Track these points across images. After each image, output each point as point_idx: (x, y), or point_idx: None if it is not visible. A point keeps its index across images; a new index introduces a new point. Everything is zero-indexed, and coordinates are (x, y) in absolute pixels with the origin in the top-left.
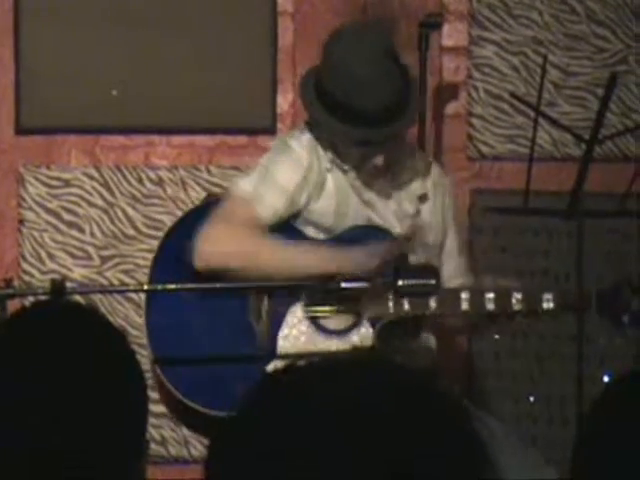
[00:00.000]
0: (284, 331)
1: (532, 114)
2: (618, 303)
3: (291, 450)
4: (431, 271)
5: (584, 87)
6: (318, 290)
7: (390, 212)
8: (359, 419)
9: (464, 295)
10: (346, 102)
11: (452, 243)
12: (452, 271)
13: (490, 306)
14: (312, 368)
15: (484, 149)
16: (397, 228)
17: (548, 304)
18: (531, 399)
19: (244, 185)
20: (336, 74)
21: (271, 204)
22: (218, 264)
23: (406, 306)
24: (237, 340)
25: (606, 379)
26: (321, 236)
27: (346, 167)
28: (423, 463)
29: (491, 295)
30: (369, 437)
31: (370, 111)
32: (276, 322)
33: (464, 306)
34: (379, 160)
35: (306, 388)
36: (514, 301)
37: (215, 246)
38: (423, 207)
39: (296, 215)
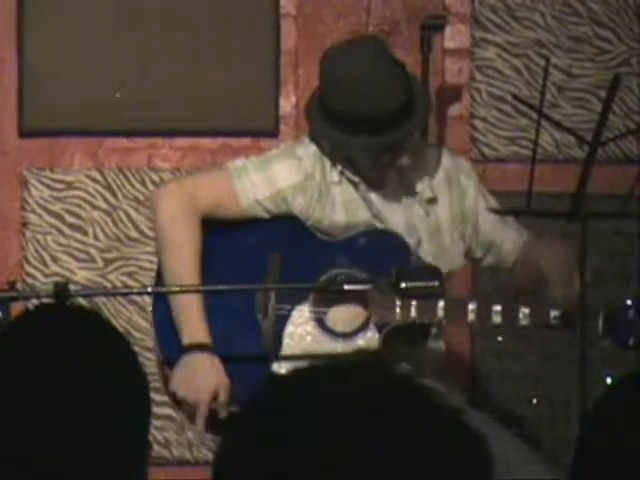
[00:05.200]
0: (289, 329)
1: (535, 116)
2: (624, 325)
3: (295, 451)
4: (435, 273)
5: (587, 89)
6: (322, 291)
7: (401, 224)
8: (360, 421)
9: (471, 306)
10: (352, 113)
11: (488, 217)
12: (510, 237)
13: (497, 319)
14: (316, 371)
15: (487, 151)
16: (407, 239)
17: (555, 321)
18: (534, 401)
19: (238, 161)
20: (336, 86)
21: (255, 189)
22: (154, 215)
23: (413, 312)
24: (244, 338)
25: (609, 381)
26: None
27: (356, 179)
28: (423, 464)
29: (498, 308)
30: (371, 441)
31: (377, 117)
32: (283, 319)
33: (470, 317)
34: (405, 160)
35: (309, 390)
36: (521, 316)
37: (164, 203)
38: (432, 209)
39: (304, 221)
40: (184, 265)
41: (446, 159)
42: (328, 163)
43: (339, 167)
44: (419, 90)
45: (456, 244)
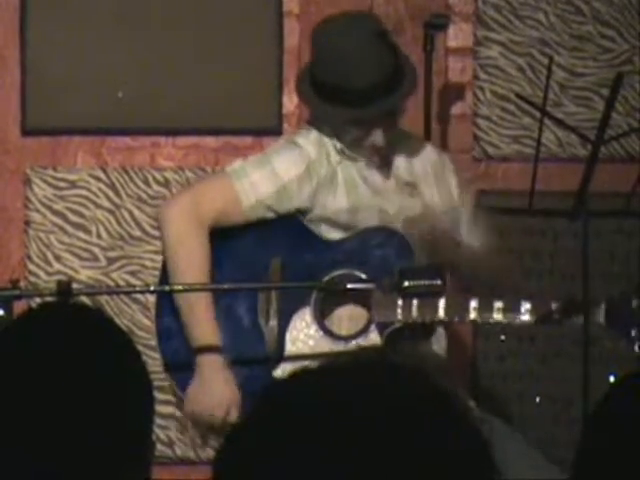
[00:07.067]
0: (292, 333)
1: (538, 115)
2: (626, 316)
3: (298, 452)
4: (437, 271)
5: (590, 87)
6: (325, 292)
7: (397, 199)
8: (368, 421)
9: (473, 304)
10: (335, 82)
11: (467, 214)
12: (478, 238)
13: (498, 316)
14: (321, 371)
15: (490, 150)
16: (398, 224)
17: (557, 314)
18: (537, 400)
19: (237, 164)
20: (324, 56)
21: (256, 187)
22: (161, 230)
23: (414, 312)
24: (246, 341)
25: (611, 380)
26: (335, 233)
27: (355, 155)
28: (427, 464)
29: (500, 304)
30: (378, 439)
31: (359, 89)
32: (285, 323)
33: (472, 315)
34: (378, 138)
35: (315, 391)
36: (523, 310)
37: (170, 218)
38: (417, 195)
39: (306, 211)
40: (193, 278)
41: (432, 153)
42: (330, 146)
43: (338, 145)
44: (405, 69)
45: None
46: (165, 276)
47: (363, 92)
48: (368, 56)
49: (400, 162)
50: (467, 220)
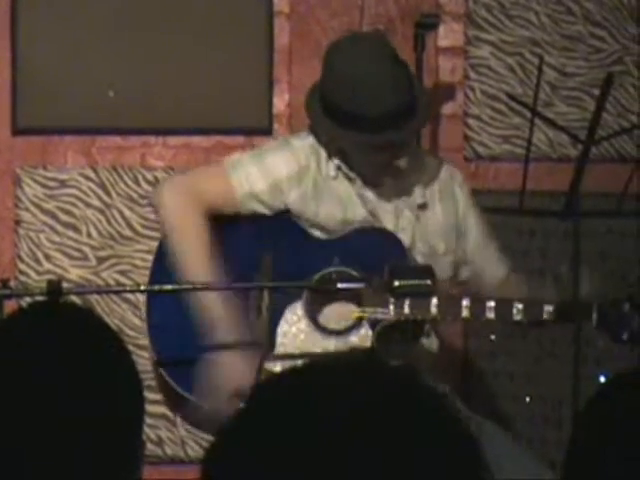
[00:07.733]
0: (283, 327)
1: (528, 114)
2: (618, 319)
3: (289, 451)
4: (428, 272)
5: (580, 88)
6: (315, 290)
7: (390, 225)
8: (357, 421)
9: (465, 302)
10: (349, 108)
11: (476, 239)
12: (495, 265)
13: (490, 315)
14: (311, 369)
15: (480, 149)
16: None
17: (548, 315)
18: (527, 399)
19: (234, 156)
20: (339, 82)
21: (250, 180)
22: (158, 214)
23: (406, 309)
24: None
25: (602, 379)
26: (325, 236)
27: (352, 175)
28: (420, 464)
29: (492, 304)
30: (367, 439)
31: (374, 117)
32: (276, 317)
33: (464, 313)
34: (402, 162)
35: (305, 390)
36: (515, 311)
37: (167, 200)
38: (424, 215)
39: (297, 215)
40: (198, 257)
41: (443, 171)
42: (324, 156)
43: (335, 161)
44: (421, 94)
45: (447, 254)
46: (154, 274)
47: (378, 120)
48: (384, 84)
49: (414, 185)
50: (476, 241)
